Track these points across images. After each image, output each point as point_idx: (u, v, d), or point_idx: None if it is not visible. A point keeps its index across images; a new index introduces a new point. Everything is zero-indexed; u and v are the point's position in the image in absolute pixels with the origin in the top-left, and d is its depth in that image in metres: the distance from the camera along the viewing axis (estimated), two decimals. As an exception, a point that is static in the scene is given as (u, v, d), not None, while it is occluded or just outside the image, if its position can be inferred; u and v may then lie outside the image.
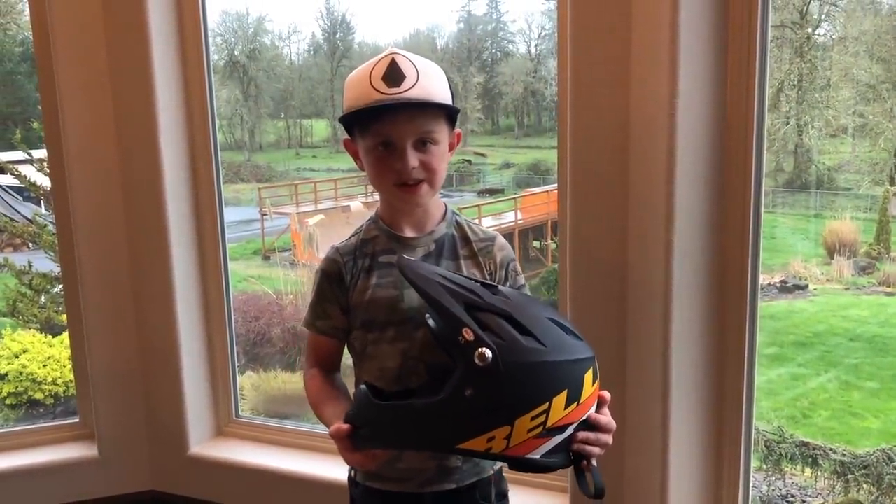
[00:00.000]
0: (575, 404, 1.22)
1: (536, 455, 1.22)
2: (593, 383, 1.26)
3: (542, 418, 1.18)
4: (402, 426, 1.25)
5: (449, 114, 1.42)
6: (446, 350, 1.25)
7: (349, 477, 1.57)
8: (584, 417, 1.25)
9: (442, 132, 1.40)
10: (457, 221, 1.51)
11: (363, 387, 1.31)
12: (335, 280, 1.47)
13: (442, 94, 1.39)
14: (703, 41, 1.65)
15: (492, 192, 12.63)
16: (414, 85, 1.34)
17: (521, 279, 1.52)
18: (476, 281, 1.29)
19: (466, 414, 1.19)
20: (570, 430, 1.23)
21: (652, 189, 1.69)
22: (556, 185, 1.91)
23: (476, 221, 1.58)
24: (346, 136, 1.47)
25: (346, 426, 1.28)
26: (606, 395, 1.31)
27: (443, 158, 1.42)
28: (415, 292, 1.27)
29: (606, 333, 1.77)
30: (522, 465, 1.23)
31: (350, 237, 1.51)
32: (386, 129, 1.36)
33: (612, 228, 1.76)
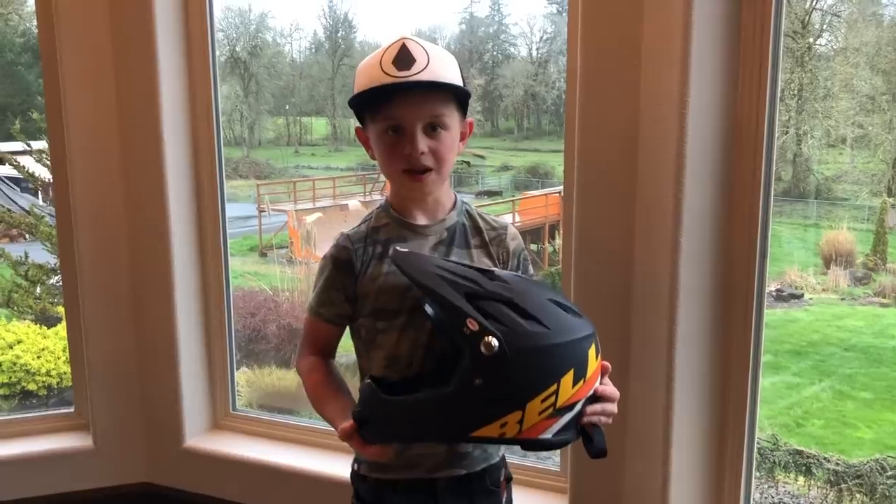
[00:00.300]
0: (582, 381, 1.23)
1: (548, 435, 1.22)
2: (596, 358, 1.27)
3: (552, 399, 1.19)
4: (413, 420, 1.25)
5: (459, 100, 1.41)
6: (450, 340, 1.25)
7: (353, 472, 1.54)
8: (590, 393, 1.26)
9: (452, 117, 1.40)
10: (467, 211, 1.50)
11: (368, 381, 1.30)
12: (345, 267, 1.45)
13: (453, 80, 1.38)
14: (715, 41, 1.65)
15: (490, 194, 12.66)
16: (424, 69, 1.33)
17: (531, 268, 1.52)
18: (472, 268, 1.29)
19: (478, 403, 1.19)
20: (578, 407, 1.24)
21: (660, 189, 1.69)
22: (554, 188, 1.91)
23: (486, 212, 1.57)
24: (357, 125, 1.46)
25: (349, 424, 1.28)
26: (608, 364, 1.33)
27: (452, 147, 1.41)
28: None
29: (611, 335, 1.76)
30: (535, 445, 1.24)
31: (359, 224, 1.49)
32: (395, 112, 1.35)
33: (619, 228, 1.76)
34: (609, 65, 1.72)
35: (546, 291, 1.29)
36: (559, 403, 1.20)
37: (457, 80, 1.39)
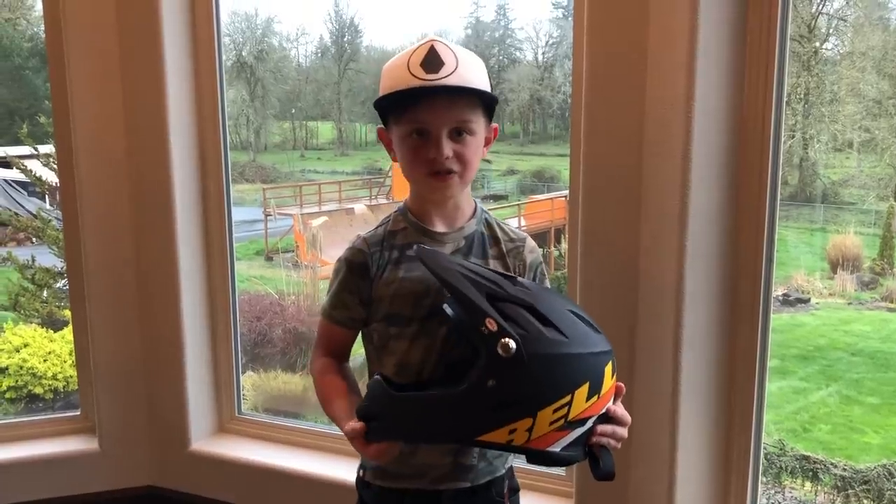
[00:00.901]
0: (596, 397, 1.21)
1: (556, 448, 1.21)
2: (612, 376, 1.25)
3: (565, 411, 1.18)
4: (420, 417, 1.23)
5: (486, 105, 1.39)
6: (467, 340, 1.24)
7: (358, 478, 1.53)
8: (603, 410, 1.25)
9: (478, 123, 1.38)
10: (486, 220, 1.48)
11: (378, 377, 1.29)
12: (360, 271, 1.43)
13: (481, 84, 1.36)
14: (721, 45, 1.65)
15: (496, 198, 12.64)
16: (452, 72, 1.32)
17: (547, 282, 1.51)
18: (495, 272, 1.28)
19: (489, 405, 1.17)
20: (589, 423, 1.23)
21: (666, 193, 1.68)
22: (560, 192, 1.90)
23: (506, 222, 1.54)
24: (380, 125, 1.44)
25: (359, 426, 1.26)
26: (622, 386, 1.31)
27: (477, 151, 1.39)
28: (441, 287, 1.25)
29: (616, 339, 1.75)
30: (542, 458, 1.22)
31: (376, 227, 1.47)
32: (421, 116, 1.34)
33: (625, 233, 1.76)
34: (615, 69, 1.72)
35: (567, 303, 1.29)
36: (571, 416, 1.18)
37: (485, 84, 1.37)
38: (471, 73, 1.34)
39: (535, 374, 1.16)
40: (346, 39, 17.03)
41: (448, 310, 1.31)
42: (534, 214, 9.72)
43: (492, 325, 1.16)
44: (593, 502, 1.89)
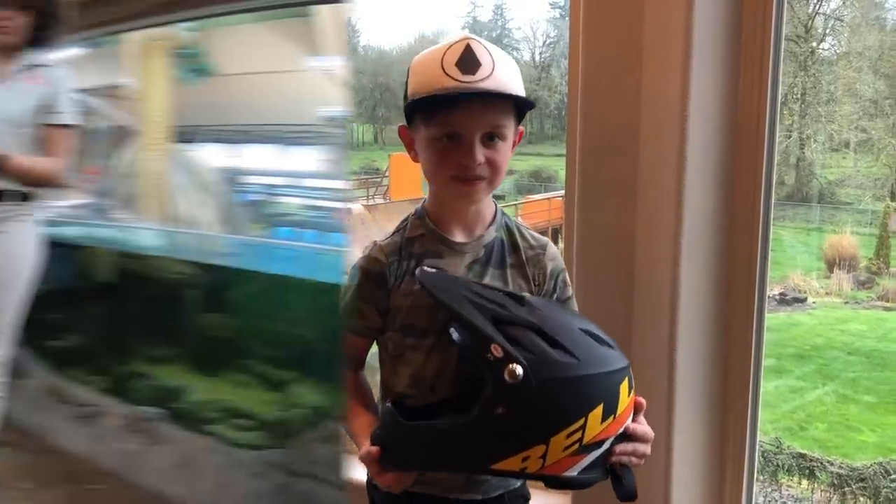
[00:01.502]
0: (611, 418, 1.16)
1: (574, 472, 1.16)
2: (629, 394, 1.20)
3: (579, 435, 1.13)
4: (430, 447, 1.20)
5: (518, 109, 1.33)
6: (474, 366, 1.20)
7: (368, 479, 1.48)
8: (621, 430, 1.19)
9: (510, 128, 1.32)
10: (506, 224, 1.42)
11: (389, 405, 1.26)
12: (377, 281, 1.36)
13: (516, 87, 1.30)
14: (716, 44, 1.65)
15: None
16: (489, 75, 1.25)
17: (569, 291, 1.44)
18: (502, 292, 1.23)
19: (499, 434, 1.13)
20: (607, 445, 1.18)
21: (662, 193, 1.69)
22: (557, 192, 1.90)
23: (526, 225, 1.48)
24: (402, 123, 1.38)
25: (374, 450, 1.23)
26: (642, 401, 1.26)
27: (507, 156, 1.33)
28: None
29: (612, 337, 1.76)
30: (559, 483, 1.18)
31: (393, 233, 1.40)
32: (455, 120, 1.26)
33: (621, 232, 1.76)
34: (610, 68, 1.72)
35: (578, 320, 1.24)
36: (586, 440, 1.14)
37: (520, 87, 1.31)
38: (507, 75, 1.28)
39: (545, 400, 1.12)
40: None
41: (454, 334, 1.26)
42: (531, 214, 9.73)
43: (497, 352, 1.12)
44: (590, 501, 1.89)
